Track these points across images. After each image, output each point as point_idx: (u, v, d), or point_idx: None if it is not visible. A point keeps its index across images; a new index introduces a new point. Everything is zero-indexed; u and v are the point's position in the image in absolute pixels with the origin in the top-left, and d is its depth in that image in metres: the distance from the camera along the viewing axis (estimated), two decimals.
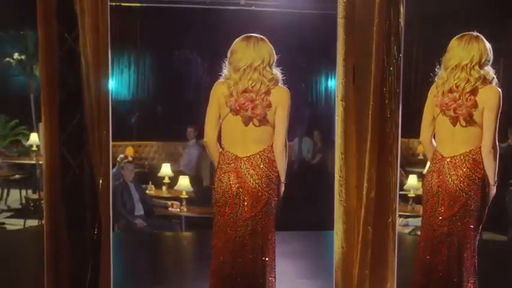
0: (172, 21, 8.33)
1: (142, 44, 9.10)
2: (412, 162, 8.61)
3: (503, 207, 6.58)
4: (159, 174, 6.87)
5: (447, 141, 3.32)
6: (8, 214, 7.76)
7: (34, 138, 7.14)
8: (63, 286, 3.52)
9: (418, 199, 6.50)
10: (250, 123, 3.28)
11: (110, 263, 3.42)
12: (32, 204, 7.53)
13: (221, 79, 3.35)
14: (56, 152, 3.51)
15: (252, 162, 3.28)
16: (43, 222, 6.82)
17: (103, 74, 3.36)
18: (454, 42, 3.36)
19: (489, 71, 3.26)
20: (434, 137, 3.43)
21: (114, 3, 7.93)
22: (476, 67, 3.24)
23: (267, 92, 3.26)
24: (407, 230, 6.37)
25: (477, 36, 3.28)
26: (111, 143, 3.39)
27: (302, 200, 6.53)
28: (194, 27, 8.35)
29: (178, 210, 6.27)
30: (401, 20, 3.18)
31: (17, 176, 7.85)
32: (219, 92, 3.31)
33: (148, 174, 7.35)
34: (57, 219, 3.53)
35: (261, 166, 3.29)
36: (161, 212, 6.37)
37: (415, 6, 3.48)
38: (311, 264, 4.90)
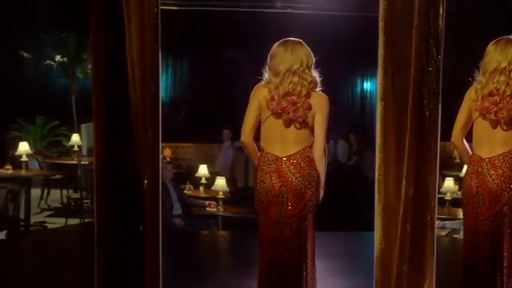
0: (209, 24, 8.48)
1: (179, 46, 9.25)
2: (448, 165, 8.62)
3: None
4: (197, 175, 7.02)
5: (485, 143, 3.38)
6: (49, 213, 7.98)
7: (75, 138, 7.35)
8: (110, 282, 3.67)
9: (454, 202, 6.52)
10: (292, 126, 3.40)
11: (159, 261, 3.55)
12: (73, 204, 7.74)
13: (262, 82, 3.47)
14: (103, 152, 3.66)
15: (292, 161, 3.40)
16: (85, 220, 7.03)
17: (150, 77, 3.49)
18: (490, 47, 3.43)
19: None
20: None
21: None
22: None
23: (308, 95, 3.37)
24: (444, 233, 6.40)
25: None
26: (160, 144, 3.51)
27: (337, 202, 6.61)
28: (231, 29, 8.49)
29: (215, 209, 6.41)
30: (441, 22, 3.27)
31: (57, 176, 8.05)
32: (260, 95, 3.43)
33: (185, 175, 7.50)
34: (106, 217, 3.68)
35: (302, 164, 3.39)
36: (199, 212, 6.51)
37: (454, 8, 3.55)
38: (347, 264, 4.98)
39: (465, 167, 3.57)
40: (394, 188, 3.39)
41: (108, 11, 3.59)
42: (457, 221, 6.27)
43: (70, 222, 7.25)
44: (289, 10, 7.47)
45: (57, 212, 7.94)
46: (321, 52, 3.52)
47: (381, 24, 3.33)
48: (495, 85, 3.32)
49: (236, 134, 8.52)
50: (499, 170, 3.31)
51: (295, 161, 3.39)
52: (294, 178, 3.38)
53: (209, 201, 6.47)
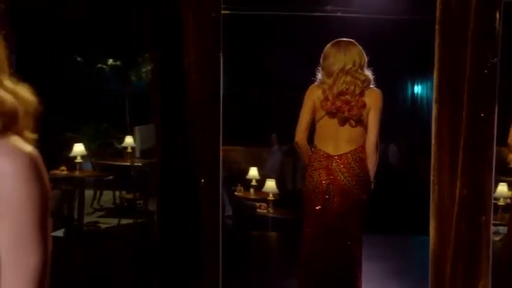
0: (259, 27, 8.61)
1: (229, 50, 9.40)
2: (502, 170, 8.53)
3: None
4: (247, 177, 7.16)
5: None
6: (101, 213, 8.22)
7: (129, 140, 7.55)
8: (168, 280, 3.80)
9: (508, 208, 6.48)
10: (346, 124, 3.50)
11: (219, 260, 3.67)
12: (126, 204, 7.95)
13: (315, 83, 3.57)
14: (162, 153, 3.81)
15: (343, 161, 3.49)
16: (138, 220, 7.21)
17: (210, 81, 3.63)
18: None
19: None
20: None
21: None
22: None
23: (361, 93, 3.47)
24: (497, 238, 6.37)
25: None
26: (220, 146, 3.63)
27: (388, 204, 6.65)
28: (281, 33, 8.61)
29: (266, 211, 6.53)
30: (498, 24, 3.32)
31: (110, 177, 8.27)
32: (314, 96, 3.54)
33: (236, 177, 7.64)
34: (165, 216, 3.82)
35: (352, 164, 3.49)
36: (249, 213, 6.65)
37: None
38: (400, 266, 5.03)
39: None
40: (449, 190, 3.45)
41: (166, 15, 3.73)
42: None
43: (122, 222, 7.47)
44: (338, 14, 7.54)
45: (109, 213, 8.16)
46: (370, 56, 3.60)
47: (437, 26, 3.40)
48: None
49: (284, 138, 8.67)
50: None
51: (346, 161, 3.49)
52: (342, 177, 3.48)
53: (260, 203, 6.60)
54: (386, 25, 8.12)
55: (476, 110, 3.37)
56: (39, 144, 1.41)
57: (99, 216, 8.13)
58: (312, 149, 3.60)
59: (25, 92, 1.34)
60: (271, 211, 6.45)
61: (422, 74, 10.35)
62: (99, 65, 9.91)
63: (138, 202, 7.60)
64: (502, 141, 3.62)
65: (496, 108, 3.39)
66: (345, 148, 3.51)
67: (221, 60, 3.57)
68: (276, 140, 8.91)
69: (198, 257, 3.76)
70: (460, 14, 3.34)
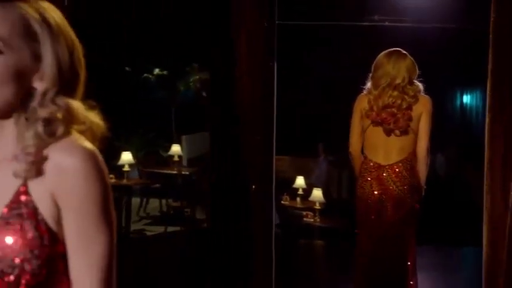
0: (307, 37, 8.72)
1: (278, 60, 9.52)
2: None
3: None
4: (294, 186, 7.25)
5: None
6: (147, 221, 8.40)
7: (176, 149, 7.73)
8: (221, 285, 3.91)
9: None
10: (392, 134, 3.55)
11: (272, 265, 3.77)
12: (172, 212, 8.12)
13: (364, 92, 3.64)
14: (214, 160, 3.93)
15: (394, 170, 3.54)
16: (185, 228, 7.34)
17: (262, 89, 3.74)
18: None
19: None
20: None
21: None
22: None
23: (409, 107, 3.50)
24: None
25: None
26: (274, 154, 3.74)
27: (438, 214, 6.66)
28: (330, 42, 8.70)
29: (312, 220, 6.61)
30: None
31: (157, 185, 8.46)
32: (362, 105, 3.61)
33: (282, 186, 7.75)
34: (217, 223, 3.93)
35: (404, 173, 3.53)
36: (296, 222, 6.74)
37: None
38: (450, 278, 5.05)
39: None
40: (502, 198, 3.49)
41: (217, 25, 3.87)
42: None
43: (169, 230, 7.64)
44: (386, 23, 7.59)
45: (156, 220, 8.34)
46: (419, 64, 3.64)
47: (491, 36, 3.45)
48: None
49: (331, 148, 8.75)
50: None
51: (397, 170, 3.54)
52: (394, 187, 3.52)
53: (306, 212, 6.68)
54: (435, 34, 8.13)
55: None
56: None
57: (146, 224, 8.32)
58: (363, 159, 3.64)
59: (95, 117, 1.49)
60: (318, 220, 6.54)
61: (471, 83, 10.29)
62: (146, 75, 10.15)
63: (185, 210, 7.76)
64: None
65: None
66: (395, 157, 3.55)
67: (275, 69, 3.68)
68: (323, 149, 9.00)
69: (249, 263, 3.86)
70: None
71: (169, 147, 7.96)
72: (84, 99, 1.48)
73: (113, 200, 1.46)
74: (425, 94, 3.61)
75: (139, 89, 10.24)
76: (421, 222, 3.62)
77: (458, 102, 10.84)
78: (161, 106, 10.15)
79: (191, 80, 9.68)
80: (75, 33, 1.52)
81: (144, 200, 8.72)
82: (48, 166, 1.38)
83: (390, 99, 3.48)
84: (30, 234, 1.35)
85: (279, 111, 3.78)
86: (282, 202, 7.03)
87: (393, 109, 3.48)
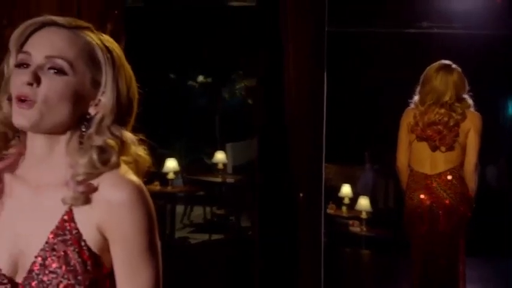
0: (357, 45, 8.74)
1: (328, 68, 9.53)
2: None
3: None
4: (339, 195, 7.27)
5: None
6: (191, 229, 8.51)
7: (220, 156, 7.82)
8: None
9: None
10: (437, 150, 3.55)
11: (320, 274, 3.80)
12: (216, 220, 8.21)
13: (411, 105, 3.64)
14: (261, 168, 3.99)
15: (443, 178, 3.55)
16: (229, 236, 7.42)
17: (311, 97, 3.78)
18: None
19: None
20: None
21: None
22: None
23: (456, 124, 3.47)
24: None
25: None
26: (323, 161, 3.79)
27: (487, 226, 6.60)
28: (379, 50, 8.70)
29: (359, 229, 6.62)
30: None
31: (201, 193, 8.56)
32: (408, 119, 3.61)
33: (328, 194, 7.78)
34: (264, 231, 3.99)
35: (453, 181, 3.53)
36: (341, 230, 6.76)
37: None
38: None
39: None
40: None
41: (265, 31, 3.93)
42: None
43: (213, 238, 7.73)
44: (435, 30, 7.57)
45: (200, 228, 8.45)
46: (468, 73, 3.61)
47: None
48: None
49: (377, 156, 8.72)
50: None
51: (445, 178, 3.54)
52: (445, 194, 3.53)
53: (352, 221, 6.70)
54: (485, 40, 8.06)
55: None
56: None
57: (190, 232, 8.43)
58: (409, 171, 3.65)
59: (142, 151, 1.57)
60: (364, 229, 6.55)
61: None
62: (191, 82, 10.29)
63: (229, 218, 7.84)
64: None
65: None
66: (442, 167, 3.56)
67: (325, 77, 3.73)
68: (369, 158, 8.98)
69: (297, 273, 3.90)
70: None
71: (213, 155, 8.05)
72: (133, 129, 1.56)
73: (157, 217, 1.53)
74: (476, 106, 3.56)
75: (183, 96, 10.37)
76: (471, 233, 3.61)
77: (510, 111, 10.67)
78: (206, 113, 10.26)
79: (236, 87, 9.78)
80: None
81: (188, 207, 8.84)
82: (96, 197, 1.45)
83: (437, 116, 3.46)
84: (73, 260, 1.42)
85: (327, 119, 3.84)
86: (328, 211, 7.06)
87: (439, 126, 3.46)
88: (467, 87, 3.52)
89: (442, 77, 3.48)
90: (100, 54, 1.49)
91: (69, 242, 1.42)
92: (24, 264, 1.44)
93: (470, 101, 3.53)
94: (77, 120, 1.47)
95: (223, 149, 8.44)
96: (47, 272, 1.40)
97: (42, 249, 1.43)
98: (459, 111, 3.46)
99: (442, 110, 3.46)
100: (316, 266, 3.80)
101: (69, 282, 1.39)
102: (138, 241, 1.45)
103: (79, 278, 1.40)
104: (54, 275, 1.40)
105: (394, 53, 8.56)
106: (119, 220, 1.43)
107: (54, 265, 1.40)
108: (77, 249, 1.41)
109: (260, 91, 4.12)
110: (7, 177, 1.50)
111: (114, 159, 1.46)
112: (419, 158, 3.60)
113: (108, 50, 1.50)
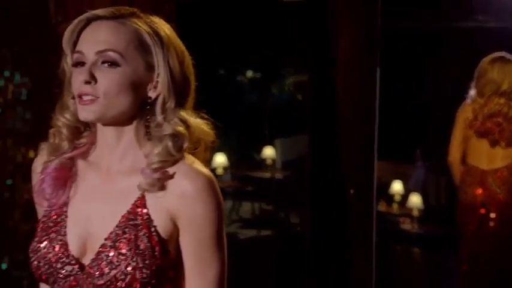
0: (410, 40, 8.66)
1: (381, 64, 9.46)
2: None
3: None
4: (390, 192, 7.22)
5: None
6: (240, 224, 8.58)
7: (269, 152, 7.86)
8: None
9: None
10: (497, 146, 3.52)
11: (372, 273, 3.80)
12: (265, 216, 8.26)
13: (467, 100, 3.62)
14: (312, 164, 4.02)
15: (499, 175, 3.52)
16: (279, 232, 7.47)
17: (362, 94, 3.78)
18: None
19: None
20: None
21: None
22: None
23: None
24: None
25: None
26: (375, 157, 3.79)
27: None
28: (434, 45, 8.60)
29: (410, 227, 6.58)
30: None
31: (249, 188, 8.62)
32: (465, 115, 3.60)
33: (378, 191, 7.74)
34: (313, 227, 4.01)
35: (509, 179, 3.50)
36: (392, 228, 6.72)
37: None
38: None
39: None
40: None
41: (316, 26, 3.94)
42: None
43: (262, 234, 7.78)
44: (491, 24, 7.44)
45: (248, 224, 8.51)
46: None
47: None
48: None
49: (429, 153, 8.62)
50: None
51: (501, 175, 3.52)
52: (499, 190, 3.51)
53: (403, 218, 6.66)
54: None
55: None
56: None
57: (238, 227, 8.50)
58: (464, 165, 3.64)
59: (206, 126, 1.62)
60: (416, 227, 6.50)
61: None
62: (240, 77, 10.35)
63: (278, 214, 7.87)
64: None
65: None
66: (500, 163, 3.54)
67: (377, 73, 3.72)
68: (421, 154, 8.89)
69: (347, 271, 3.92)
70: None
71: (262, 151, 8.08)
72: (194, 108, 1.60)
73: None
74: None
75: (232, 92, 10.45)
76: None
77: None
78: (255, 109, 10.31)
79: (286, 82, 9.80)
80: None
81: (237, 203, 8.91)
82: (170, 185, 1.51)
83: (496, 107, 3.46)
84: (143, 245, 1.48)
85: (379, 115, 3.83)
86: (378, 208, 7.02)
87: (499, 119, 3.45)
88: None
89: (499, 68, 3.49)
90: (148, 38, 1.54)
91: (140, 227, 1.49)
92: (92, 247, 1.51)
93: None
94: (140, 106, 1.54)
95: (272, 144, 8.48)
96: (116, 253, 1.47)
97: (112, 232, 1.49)
98: None
99: (502, 100, 3.47)
100: (367, 264, 3.80)
101: (137, 265, 1.45)
102: (208, 231, 1.51)
103: (146, 262, 1.46)
104: (123, 257, 1.46)
105: (448, 47, 8.44)
106: (191, 209, 1.50)
107: (123, 247, 1.46)
108: (146, 234, 1.48)
109: (310, 87, 4.14)
110: (80, 163, 1.59)
111: (186, 144, 1.53)
112: (476, 153, 3.59)
113: (155, 32, 1.55)
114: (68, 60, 1.57)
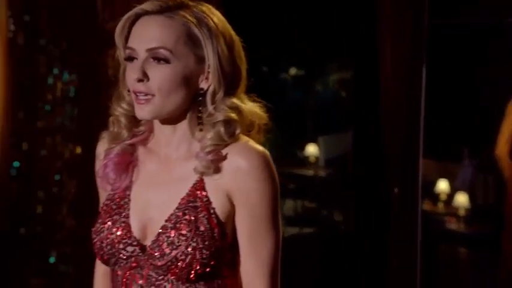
0: (457, 37, 8.55)
1: (429, 61, 9.36)
2: None
3: None
4: (435, 191, 7.16)
5: None
6: (282, 222, 8.59)
7: (312, 149, 7.87)
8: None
9: None
10: None
11: (417, 273, 3.79)
12: (307, 213, 8.27)
13: None
14: (355, 162, 4.03)
15: None
16: (321, 230, 7.48)
17: (407, 91, 3.77)
18: None
19: None
20: None
21: None
22: None
23: None
24: None
25: None
26: (421, 155, 3.77)
27: None
28: (484, 41, 8.49)
29: (456, 226, 6.51)
30: None
31: (292, 186, 8.63)
32: None
33: (423, 190, 7.67)
34: (356, 225, 4.03)
35: None
36: (438, 228, 6.66)
37: None
38: None
39: None
40: None
41: (361, 22, 3.94)
42: None
43: (304, 231, 7.78)
44: None
45: (291, 221, 8.52)
46: None
47: None
48: None
49: (476, 152, 8.49)
50: None
51: None
52: None
53: (449, 217, 6.59)
54: None
55: None
56: None
57: (281, 225, 8.51)
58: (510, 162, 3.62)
59: (259, 109, 1.66)
60: (462, 227, 6.42)
61: None
62: (283, 74, 10.35)
63: (321, 212, 7.87)
64: None
65: None
66: None
67: (423, 71, 3.70)
68: (468, 153, 8.76)
69: (391, 271, 3.91)
70: None
71: (305, 148, 8.07)
72: (246, 92, 1.64)
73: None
74: None
75: (275, 89, 10.45)
76: None
77: None
78: (298, 106, 10.31)
79: (330, 79, 9.77)
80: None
81: (280, 200, 8.89)
82: (225, 165, 1.56)
83: None
84: (202, 226, 1.53)
85: (425, 113, 3.81)
86: (423, 207, 6.95)
87: None
88: None
89: None
90: (196, 31, 1.58)
91: (199, 209, 1.55)
92: (153, 231, 1.58)
93: None
94: (193, 98, 1.59)
95: (315, 142, 8.47)
96: (177, 234, 1.53)
97: (172, 214, 1.56)
98: None
99: None
100: (412, 264, 3.79)
101: (198, 245, 1.52)
102: (264, 208, 1.56)
103: (206, 243, 1.52)
104: (183, 238, 1.53)
105: (497, 43, 8.30)
106: (245, 185, 1.55)
107: (184, 228, 1.53)
108: (206, 216, 1.54)
109: (355, 84, 4.14)
110: (141, 149, 1.67)
111: (238, 130, 1.58)
112: None
113: (203, 23, 1.58)
114: (121, 55, 1.62)
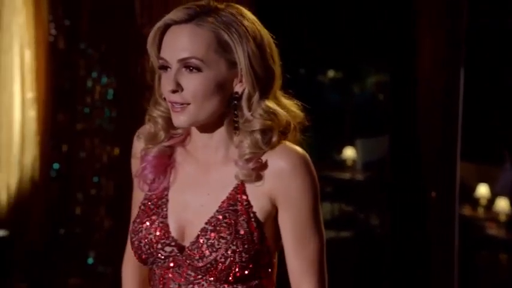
0: (497, 38, 8.44)
1: (467, 63, 9.25)
2: None
3: None
4: (475, 195, 7.08)
5: None
6: None
7: (349, 152, 7.85)
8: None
9: None
10: None
11: (453, 279, 3.76)
12: (344, 217, 8.26)
13: None
14: (391, 165, 4.02)
15: None
16: (359, 233, 7.47)
17: (444, 93, 3.76)
18: None
19: None
20: None
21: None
22: None
23: None
24: None
25: None
26: (458, 159, 3.75)
27: None
28: None
29: (496, 232, 6.42)
30: None
31: (329, 189, 8.63)
32: None
33: (462, 194, 7.59)
34: (393, 229, 4.02)
35: None
36: (477, 233, 6.58)
37: None
38: None
39: None
40: None
41: (398, 24, 3.93)
42: None
43: (341, 235, 7.77)
44: None
45: (327, 224, 8.48)
46: None
47: None
48: None
49: None
50: None
51: None
52: None
53: (490, 223, 6.51)
54: None
55: None
56: None
57: None
58: None
59: (295, 108, 1.67)
60: (503, 232, 6.33)
61: None
62: (320, 77, 10.35)
63: (358, 215, 7.85)
64: None
65: None
66: None
67: (461, 73, 3.68)
68: (509, 157, 8.64)
69: (428, 276, 3.89)
70: None
71: (342, 151, 8.06)
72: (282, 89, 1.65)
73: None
74: None
75: (312, 91, 10.45)
76: None
77: None
78: (335, 109, 10.29)
79: (367, 82, 9.74)
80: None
81: None
82: (265, 170, 1.58)
83: None
84: (242, 230, 1.56)
85: (463, 115, 3.78)
86: (462, 212, 6.88)
87: None
88: None
89: None
90: (226, 36, 1.58)
91: (239, 213, 1.57)
92: (191, 233, 1.61)
93: None
94: (228, 102, 1.61)
95: (353, 145, 8.45)
96: (217, 237, 1.56)
97: (213, 217, 1.59)
98: None
99: None
100: (449, 269, 3.77)
101: (237, 249, 1.54)
102: (306, 207, 1.58)
103: (246, 246, 1.54)
104: (223, 241, 1.55)
105: None
106: (288, 186, 1.57)
107: (224, 231, 1.55)
108: (246, 220, 1.56)
109: (392, 86, 4.13)
110: (179, 151, 1.69)
111: (275, 138, 1.60)
112: None
113: (232, 28, 1.58)
114: (155, 62, 1.65)
